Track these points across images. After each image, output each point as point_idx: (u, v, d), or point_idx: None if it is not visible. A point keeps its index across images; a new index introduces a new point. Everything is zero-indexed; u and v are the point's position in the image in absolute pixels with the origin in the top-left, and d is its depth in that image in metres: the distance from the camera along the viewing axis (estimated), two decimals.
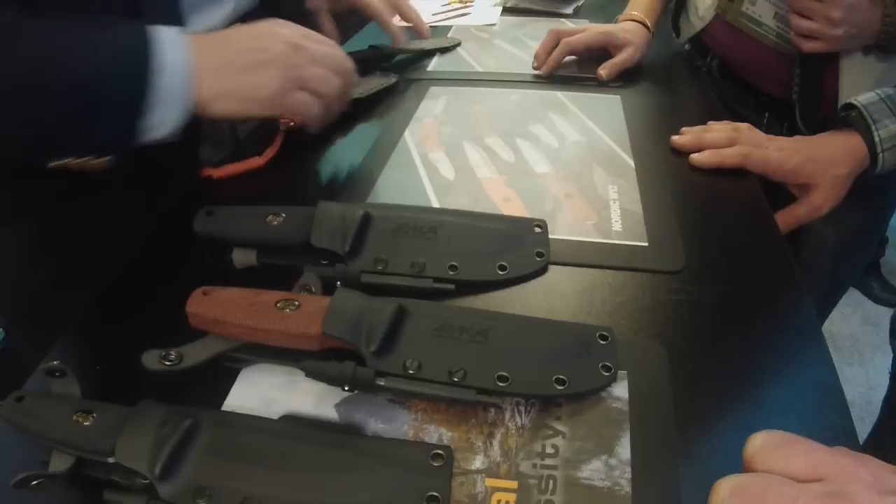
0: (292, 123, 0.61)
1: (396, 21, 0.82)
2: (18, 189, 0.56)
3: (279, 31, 0.52)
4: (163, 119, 0.47)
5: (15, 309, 0.63)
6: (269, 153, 0.61)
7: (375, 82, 0.73)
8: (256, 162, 0.60)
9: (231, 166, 0.60)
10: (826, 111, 0.76)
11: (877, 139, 0.62)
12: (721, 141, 0.62)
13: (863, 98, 0.64)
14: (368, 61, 0.80)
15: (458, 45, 0.90)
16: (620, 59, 0.79)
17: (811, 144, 0.65)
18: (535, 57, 0.80)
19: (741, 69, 0.86)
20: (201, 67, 0.48)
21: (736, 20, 0.80)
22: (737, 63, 0.86)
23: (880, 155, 0.62)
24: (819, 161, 0.63)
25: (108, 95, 0.46)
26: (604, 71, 0.78)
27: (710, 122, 0.66)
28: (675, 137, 0.64)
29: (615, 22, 0.86)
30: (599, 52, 0.81)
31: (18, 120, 0.45)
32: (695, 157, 0.61)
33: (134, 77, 0.46)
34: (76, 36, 0.45)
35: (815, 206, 0.64)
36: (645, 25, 0.84)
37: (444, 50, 0.88)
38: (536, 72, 0.80)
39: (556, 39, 0.80)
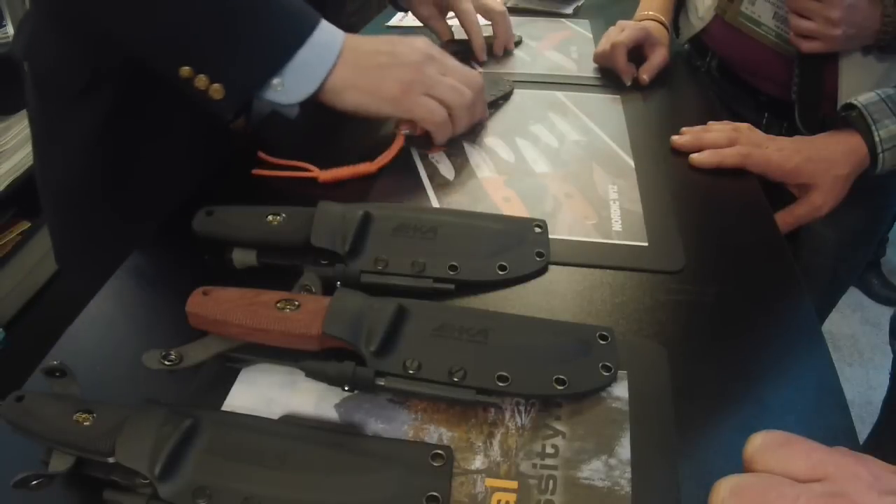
0: (410, 131, 0.59)
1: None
2: (99, 63, 0.56)
3: (417, 45, 0.56)
4: (290, 87, 0.51)
5: (65, 202, 0.66)
6: (383, 160, 0.58)
7: (493, 89, 0.72)
8: (367, 168, 0.57)
9: (339, 170, 0.57)
10: (825, 111, 0.76)
11: (877, 139, 0.62)
12: (721, 141, 0.62)
13: (863, 98, 0.64)
14: (453, 56, 0.80)
15: (520, 41, 0.90)
16: (657, 60, 0.78)
17: (811, 144, 0.65)
18: (622, 73, 0.77)
19: (740, 69, 0.86)
20: (342, 62, 0.52)
21: (735, 20, 0.80)
22: (736, 63, 0.86)
23: (880, 155, 0.62)
24: (819, 161, 0.63)
25: (260, 29, 0.50)
26: (646, 75, 0.77)
27: (710, 122, 0.66)
28: (674, 137, 0.64)
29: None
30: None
31: (167, 16, 0.48)
32: (694, 157, 0.61)
33: (290, 30, 0.50)
34: None
35: (815, 206, 0.64)
36: (664, 25, 0.84)
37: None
38: (535, 72, 0.80)
39: (609, 43, 0.78)
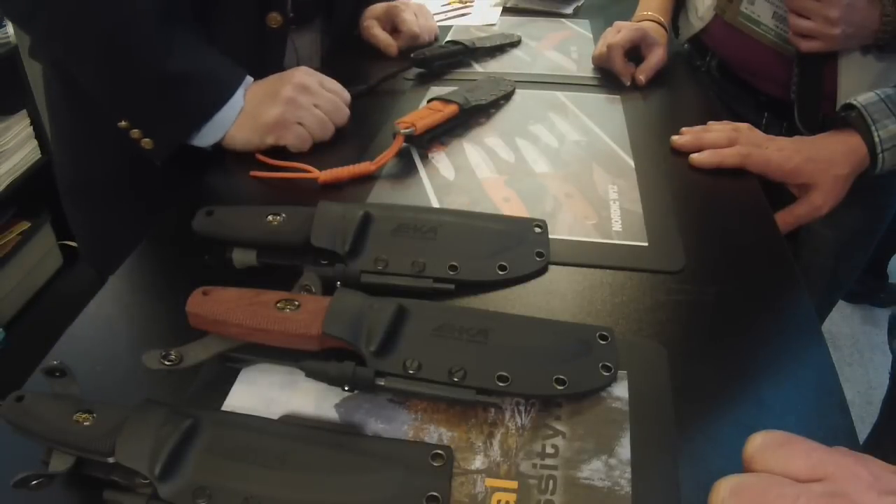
0: (410, 131, 0.60)
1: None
2: None
3: (296, 79, 0.63)
4: (205, 136, 0.61)
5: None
6: (382, 160, 0.58)
7: (494, 89, 0.72)
8: (367, 168, 0.58)
9: (339, 170, 0.57)
10: (825, 111, 0.76)
11: (876, 139, 0.62)
12: (721, 141, 0.62)
13: (862, 98, 0.64)
14: (454, 56, 0.82)
15: (520, 40, 0.91)
16: (654, 60, 0.78)
17: (811, 145, 0.65)
18: (620, 74, 0.77)
19: (740, 69, 0.86)
20: (243, 112, 0.62)
21: (735, 20, 0.80)
22: (736, 63, 0.86)
23: (880, 155, 0.62)
24: (819, 161, 0.63)
25: (188, 99, 0.60)
26: (642, 75, 0.77)
27: (710, 123, 0.66)
28: (674, 138, 0.64)
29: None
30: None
31: (111, 82, 0.60)
32: (694, 157, 0.61)
33: (219, 96, 0.61)
34: (189, 38, 0.60)
35: (815, 206, 0.64)
36: (662, 25, 0.84)
37: (511, 45, 0.89)
38: (534, 72, 0.80)
39: (606, 44, 0.78)
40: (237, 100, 0.62)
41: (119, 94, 0.60)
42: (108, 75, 0.59)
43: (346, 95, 0.67)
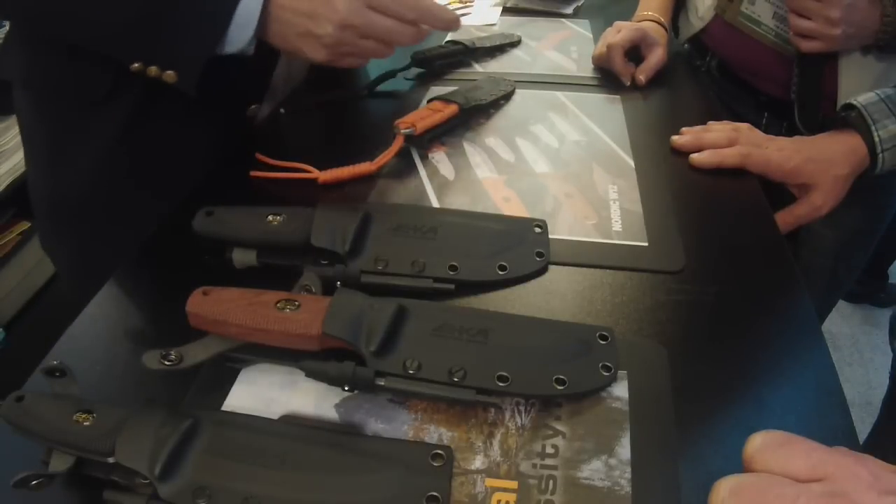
0: (410, 131, 0.59)
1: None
2: (119, 72, 0.57)
3: (338, 5, 0.53)
4: (234, 36, 0.52)
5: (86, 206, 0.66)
6: (382, 159, 0.58)
7: (494, 89, 0.72)
8: (367, 167, 0.57)
9: (339, 170, 0.57)
10: (825, 111, 0.76)
11: (876, 139, 0.62)
12: (721, 141, 0.62)
13: (862, 98, 0.64)
14: (454, 56, 0.82)
15: (520, 40, 0.91)
16: (654, 60, 0.78)
17: (811, 145, 0.65)
18: (620, 74, 0.77)
19: (740, 69, 0.86)
20: (272, 4, 0.53)
21: (735, 20, 0.80)
22: (736, 63, 0.86)
23: (880, 155, 0.62)
24: (819, 161, 0.63)
25: (192, 9, 0.51)
26: (642, 75, 0.77)
27: (710, 122, 0.66)
28: (674, 137, 0.64)
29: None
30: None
31: (103, 14, 0.51)
32: (694, 157, 0.61)
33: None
34: None
35: (815, 206, 0.64)
36: (662, 25, 0.84)
37: (511, 45, 0.89)
38: (534, 72, 0.80)
39: (605, 45, 0.78)
40: None
41: (114, 31, 0.52)
42: (95, 11, 0.51)
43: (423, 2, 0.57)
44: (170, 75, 0.53)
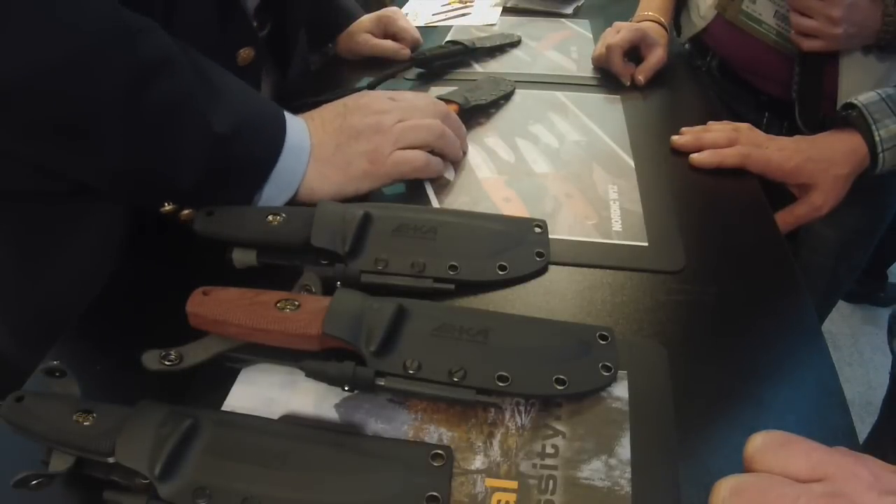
0: None
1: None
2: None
3: (366, 103, 0.52)
4: (270, 197, 0.48)
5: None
6: None
7: (494, 89, 0.72)
8: None
9: None
10: (826, 111, 0.76)
11: (877, 139, 0.62)
12: (721, 141, 0.62)
13: (863, 98, 0.64)
14: (454, 56, 0.82)
15: (520, 40, 0.91)
16: (653, 61, 0.78)
17: (811, 144, 0.65)
18: (619, 74, 0.77)
19: (741, 69, 0.86)
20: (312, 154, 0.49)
21: (736, 19, 0.80)
22: (737, 62, 0.86)
23: (880, 155, 0.62)
24: (819, 161, 0.63)
25: (239, 157, 0.46)
26: (641, 75, 0.77)
27: (710, 122, 0.66)
28: (675, 137, 0.64)
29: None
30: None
31: (141, 161, 0.43)
32: (695, 157, 0.61)
33: (265, 146, 0.47)
34: (215, 87, 0.45)
35: (815, 206, 0.64)
36: (662, 25, 0.84)
37: (511, 45, 0.89)
38: (534, 72, 0.80)
39: (605, 45, 0.78)
40: (299, 132, 0.49)
41: (154, 178, 0.45)
42: (142, 151, 0.43)
43: (438, 104, 0.57)
44: (188, 214, 0.47)
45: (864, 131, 0.62)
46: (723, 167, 0.60)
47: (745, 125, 0.65)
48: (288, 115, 0.50)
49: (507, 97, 0.73)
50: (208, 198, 0.47)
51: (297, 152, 0.49)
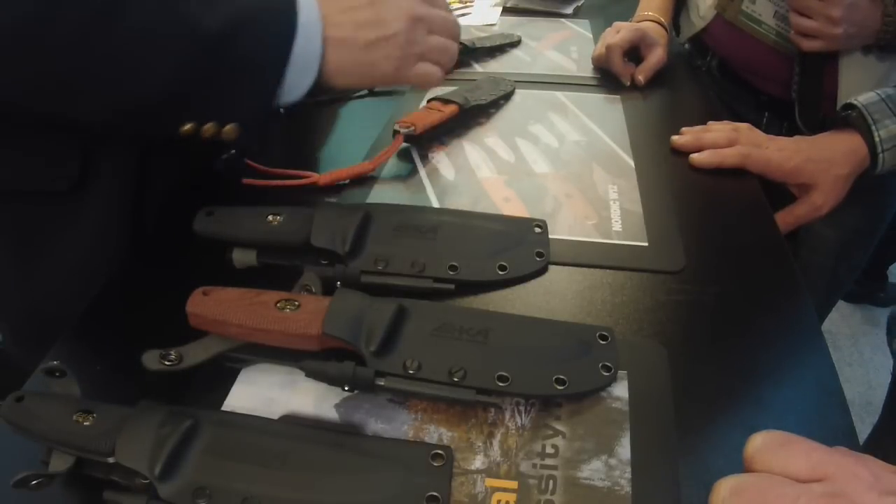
0: (409, 130, 0.59)
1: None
2: (87, 159, 0.51)
3: (401, 5, 0.51)
4: (293, 85, 0.46)
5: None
6: (381, 158, 0.58)
7: (494, 89, 0.72)
8: (366, 167, 0.57)
9: (338, 172, 0.56)
10: (825, 111, 0.76)
11: (877, 139, 0.62)
12: (721, 141, 0.62)
13: (863, 98, 0.64)
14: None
15: (520, 40, 0.91)
16: (653, 61, 0.78)
17: (811, 144, 0.65)
18: (619, 74, 0.77)
19: (741, 69, 0.86)
20: (329, 36, 0.47)
21: (736, 19, 0.80)
22: (736, 62, 0.86)
23: (880, 155, 0.62)
24: (819, 161, 0.63)
25: (247, 52, 0.44)
26: (641, 75, 0.77)
27: (710, 123, 0.66)
28: (675, 138, 0.64)
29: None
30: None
31: (149, 76, 0.42)
32: (694, 157, 0.61)
33: (275, 34, 0.45)
34: None
35: (816, 206, 0.64)
36: (662, 25, 0.84)
37: (511, 45, 0.89)
38: (534, 72, 0.80)
39: (605, 45, 0.78)
40: (310, 14, 0.46)
41: (161, 95, 0.43)
42: (139, 68, 0.42)
43: (458, 24, 0.56)
44: (230, 130, 0.46)
45: (863, 132, 0.62)
46: (722, 167, 0.60)
47: (744, 125, 0.65)
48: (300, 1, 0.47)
49: (507, 97, 0.73)
50: (222, 102, 0.45)
51: (310, 31, 0.46)
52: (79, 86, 0.42)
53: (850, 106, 0.64)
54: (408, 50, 0.51)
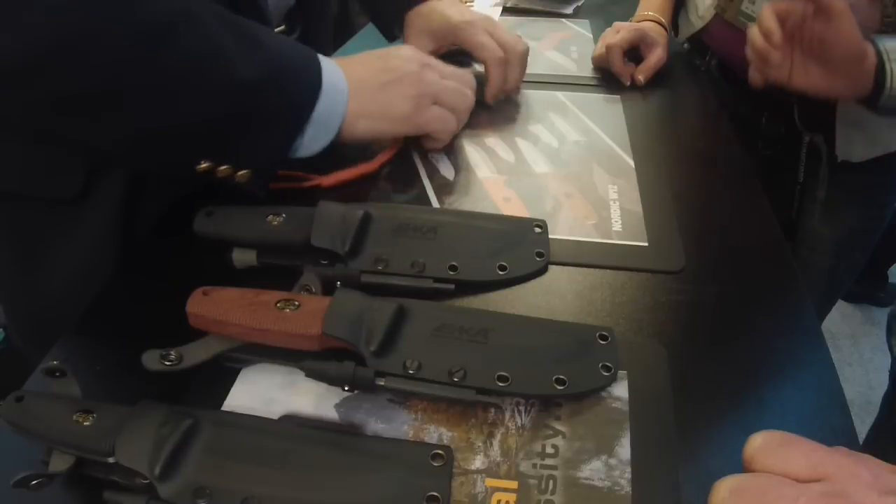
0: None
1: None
2: (92, 168, 0.53)
3: (407, 54, 0.54)
4: (312, 139, 0.49)
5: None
6: (383, 157, 0.58)
7: None
8: (368, 167, 0.57)
9: (341, 173, 0.56)
10: (825, 111, 0.76)
11: (882, 49, 0.61)
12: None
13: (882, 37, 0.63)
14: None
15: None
16: (653, 61, 0.78)
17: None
18: (619, 75, 0.77)
19: (740, 69, 0.86)
20: (349, 80, 0.50)
21: (735, 19, 0.80)
22: (736, 62, 0.86)
23: (888, 64, 0.61)
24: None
25: (276, 102, 0.46)
26: (641, 75, 0.77)
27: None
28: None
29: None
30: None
31: (176, 116, 0.43)
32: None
33: (302, 90, 0.47)
34: (244, 35, 0.45)
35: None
36: (662, 25, 0.84)
37: None
38: (534, 72, 0.80)
39: (604, 45, 0.78)
40: (334, 74, 0.49)
41: (186, 133, 0.44)
42: (172, 99, 0.43)
43: (471, 75, 0.59)
44: (243, 175, 0.47)
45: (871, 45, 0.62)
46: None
47: None
48: (322, 58, 0.49)
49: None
50: (243, 147, 0.46)
51: (334, 93, 0.49)
52: (110, 105, 0.41)
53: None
54: (422, 89, 0.53)
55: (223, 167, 0.46)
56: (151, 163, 0.48)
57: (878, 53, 0.61)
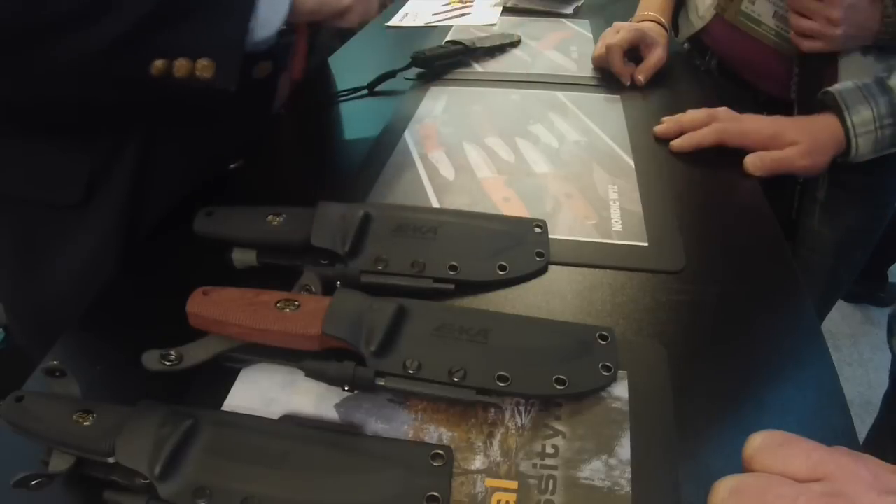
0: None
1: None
2: (94, 173, 0.53)
3: None
4: (266, 18, 0.46)
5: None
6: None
7: (499, 37, 0.82)
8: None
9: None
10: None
11: (849, 124, 0.62)
12: (697, 123, 0.63)
13: (838, 86, 0.65)
14: (454, 55, 0.83)
15: (520, 40, 0.91)
16: (653, 60, 0.78)
17: (790, 120, 0.65)
18: (619, 74, 0.77)
19: (740, 68, 0.86)
20: None
21: (735, 19, 0.80)
22: (736, 62, 0.86)
23: (853, 140, 0.62)
24: (800, 127, 0.63)
25: None
26: (641, 75, 0.77)
27: (689, 110, 0.66)
28: (656, 128, 0.65)
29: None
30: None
31: (117, 7, 0.41)
32: (674, 142, 0.63)
33: None
34: None
35: (798, 154, 0.62)
36: (662, 25, 0.84)
37: (511, 45, 0.90)
38: (534, 72, 0.80)
39: (604, 45, 0.79)
40: None
41: (133, 28, 0.42)
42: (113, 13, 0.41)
43: None
44: (204, 67, 0.44)
45: (838, 115, 0.63)
46: (702, 148, 0.61)
47: (722, 108, 0.66)
48: None
49: (514, 45, 0.81)
50: (191, 33, 0.44)
51: None
52: (51, 25, 0.41)
53: (826, 92, 0.64)
54: None
55: (179, 62, 0.43)
56: (106, 70, 0.46)
57: (843, 122, 0.62)
